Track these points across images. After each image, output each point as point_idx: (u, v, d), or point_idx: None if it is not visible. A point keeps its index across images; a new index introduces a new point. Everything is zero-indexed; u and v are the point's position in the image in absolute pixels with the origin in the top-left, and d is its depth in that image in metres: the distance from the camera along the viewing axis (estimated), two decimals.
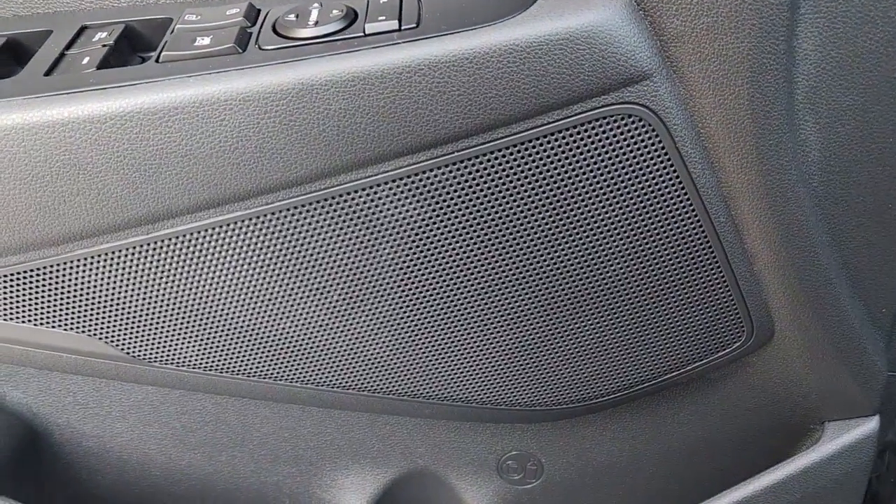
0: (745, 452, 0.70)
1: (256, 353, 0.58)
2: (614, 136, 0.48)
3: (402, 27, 0.48)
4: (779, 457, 0.66)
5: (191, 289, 0.53)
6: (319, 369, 0.59)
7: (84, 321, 0.56)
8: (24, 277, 0.53)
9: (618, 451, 0.71)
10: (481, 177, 0.49)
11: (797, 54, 0.46)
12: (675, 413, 0.67)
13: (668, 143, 0.48)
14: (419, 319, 0.56)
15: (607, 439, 0.70)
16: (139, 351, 0.57)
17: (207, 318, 0.55)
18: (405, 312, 0.55)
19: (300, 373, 0.59)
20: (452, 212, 0.50)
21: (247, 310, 0.55)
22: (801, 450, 0.65)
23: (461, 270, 0.53)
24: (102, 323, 0.56)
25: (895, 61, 0.46)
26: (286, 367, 0.58)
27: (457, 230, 0.51)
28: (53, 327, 0.56)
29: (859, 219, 0.53)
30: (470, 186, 0.49)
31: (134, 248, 0.51)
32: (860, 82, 0.47)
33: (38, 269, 0.53)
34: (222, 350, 0.57)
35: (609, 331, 0.57)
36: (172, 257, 0.52)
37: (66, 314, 0.55)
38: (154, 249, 0.51)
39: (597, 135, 0.48)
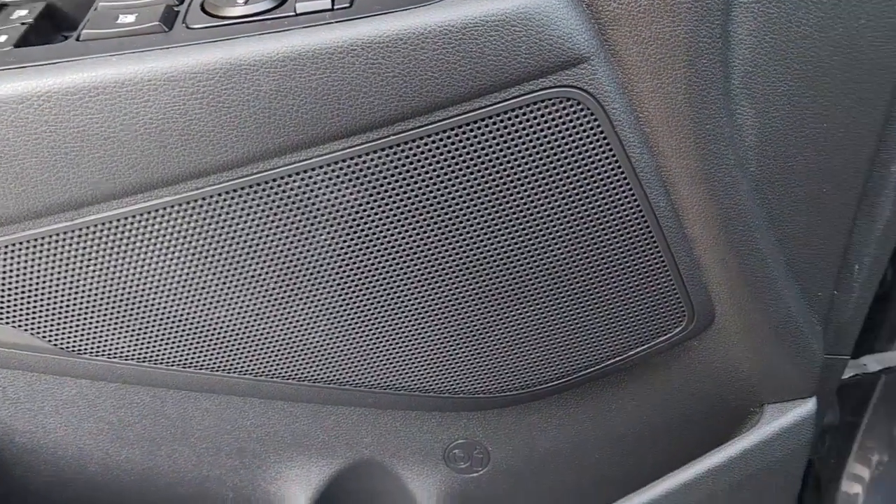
0: (689, 436, 0.71)
1: (191, 344, 0.56)
2: (552, 119, 0.47)
3: (335, 6, 0.46)
4: (721, 440, 0.67)
5: (119, 277, 0.52)
6: (257, 359, 0.57)
7: (8, 312, 0.53)
8: None
9: (563, 437, 0.71)
10: (418, 161, 0.48)
11: (732, 38, 0.46)
12: (619, 398, 0.68)
13: (607, 127, 0.48)
14: (358, 307, 0.55)
15: (553, 426, 0.70)
16: (68, 342, 0.55)
17: (138, 308, 0.53)
18: (343, 300, 0.54)
19: (237, 363, 0.58)
20: (389, 197, 0.49)
21: (179, 298, 0.53)
22: (742, 432, 0.66)
23: (399, 257, 0.52)
24: (27, 313, 0.53)
25: (827, 48, 0.47)
26: (222, 357, 0.57)
27: (393, 215, 0.50)
28: None
29: (795, 203, 0.53)
30: (406, 171, 0.48)
31: (57, 235, 0.49)
32: (794, 68, 0.47)
33: None
34: (155, 340, 0.56)
35: (550, 316, 0.57)
36: (98, 244, 0.50)
37: None
38: (79, 236, 0.49)
39: (535, 118, 0.47)
